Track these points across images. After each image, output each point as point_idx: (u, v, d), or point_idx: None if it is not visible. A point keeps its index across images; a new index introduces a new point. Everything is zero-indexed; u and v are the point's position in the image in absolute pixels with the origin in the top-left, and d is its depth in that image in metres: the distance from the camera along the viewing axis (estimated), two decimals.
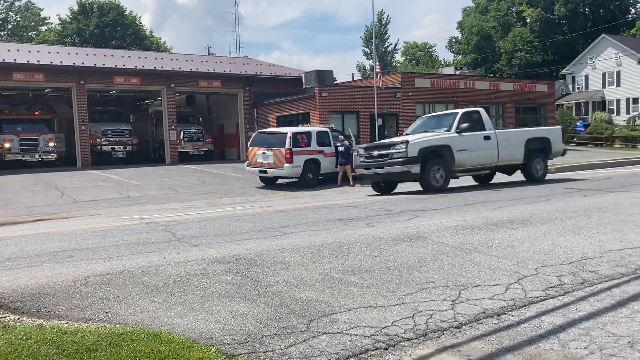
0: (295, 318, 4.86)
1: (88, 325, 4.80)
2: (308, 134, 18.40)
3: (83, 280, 6.14)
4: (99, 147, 30.33)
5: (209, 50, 66.24)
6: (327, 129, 19.38)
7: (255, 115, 33.70)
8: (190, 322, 4.81)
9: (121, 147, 31.20)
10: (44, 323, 4.83)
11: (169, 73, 31.35)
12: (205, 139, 33.21)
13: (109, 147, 30.73)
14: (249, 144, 19.36)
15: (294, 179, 18.54)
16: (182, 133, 32.00)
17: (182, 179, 21.13)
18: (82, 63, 29.40)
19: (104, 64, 30.13)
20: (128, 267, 6.74)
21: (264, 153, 17.99)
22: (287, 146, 17.45)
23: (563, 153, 17.63)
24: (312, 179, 18.08)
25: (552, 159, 17.73)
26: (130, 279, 6.21)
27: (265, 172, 18.10)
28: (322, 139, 18.66)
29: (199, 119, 35.60)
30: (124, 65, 30.86)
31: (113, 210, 13.25)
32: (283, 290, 5.66)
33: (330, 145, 18.78)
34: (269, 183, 18.87)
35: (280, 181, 19.15)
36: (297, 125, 21.44)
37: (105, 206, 13.97)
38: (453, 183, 15.78)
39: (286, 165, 17.39)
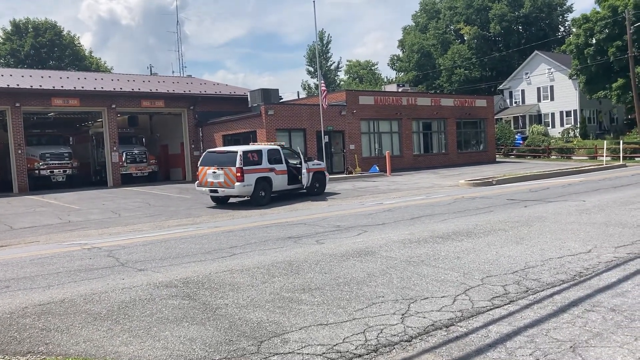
0: (246, 340, 4.78)
1: (26, 358, 4.58)
2: (259, 152, 18.28)
3: (21, 312, 5.86)
4: (37, 171, 29.09)
5: (151, 70, 64.81)
6: (279, 147, 19.34)
7: (201, 135, 33.29)
8: (136, 350, 4.66)
9: (61, 170, 30.04)
10: None
11: (109, 93, 30.58)
12: (149, 160, 32.44)
13: (48, 171, 29.52)
14: (198, 163, 19.00)
15: (245, 198, 18.36)
16: (124, 154, 31.16)
17: (125, 201, 20.56)
18: (17, 85, 28.27)
19: (40, 85, 29.06)
20: (69, 295, 6.49)
21: (214, 172, 17.72)
22: (237, 165, 17.26)
23: None
24: (264, 197, 17.94)
25: None
26: (72, 307, 5.97)
27: (216, 191, 17.82)
28: (274, 156, 18.61)
29: (142, 139, 34.79)
30: (62, 86, 29.83)
31: (53, 236, 12.72)
32: (233, 312, 5.57)
33: (282, 163, 18.75)
34: (221, 202, 18.60)
35: (231, 200, 18.92)
36: (247, 144, 21.29)
37: (45, 232, 13.40)
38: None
39: (237, 184, 17.17)
